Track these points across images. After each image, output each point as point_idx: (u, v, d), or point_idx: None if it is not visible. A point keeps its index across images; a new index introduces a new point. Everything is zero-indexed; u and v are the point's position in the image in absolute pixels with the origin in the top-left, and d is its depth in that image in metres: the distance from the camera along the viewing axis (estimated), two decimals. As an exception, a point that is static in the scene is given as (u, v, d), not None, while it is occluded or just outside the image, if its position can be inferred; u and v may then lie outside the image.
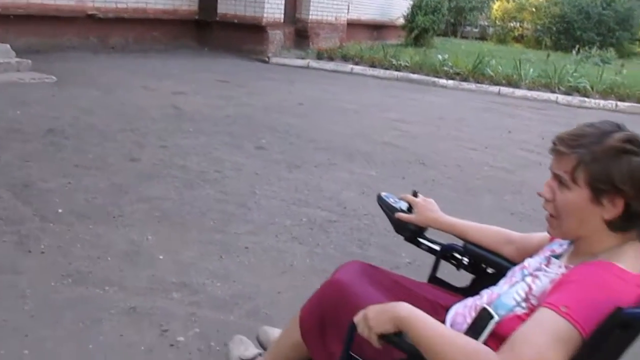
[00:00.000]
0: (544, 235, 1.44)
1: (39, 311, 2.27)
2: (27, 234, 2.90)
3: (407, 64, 10.86)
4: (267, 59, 10.83)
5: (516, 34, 24.27)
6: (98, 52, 9.42)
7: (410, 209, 1.66)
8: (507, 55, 13.49)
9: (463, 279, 1.67)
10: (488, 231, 1.61)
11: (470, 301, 1.36)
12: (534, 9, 22.60)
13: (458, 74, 10.43)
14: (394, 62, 10.96)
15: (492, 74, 10.37)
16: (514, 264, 1.42)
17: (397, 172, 4.59)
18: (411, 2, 16.23)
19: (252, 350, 1.72)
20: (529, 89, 9.87)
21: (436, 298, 1.50)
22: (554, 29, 20.38)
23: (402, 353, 1.19)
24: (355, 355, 1.29)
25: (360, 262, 1.60)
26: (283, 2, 11.66)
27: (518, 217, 3.89)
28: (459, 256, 1.64)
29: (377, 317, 1.17)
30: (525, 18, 23.65)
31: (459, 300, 1.43)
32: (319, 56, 11.45)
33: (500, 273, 1.43)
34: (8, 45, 7.00)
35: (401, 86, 9.65)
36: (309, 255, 2.99)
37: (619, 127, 1.17)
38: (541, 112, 8.37)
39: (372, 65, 10.86)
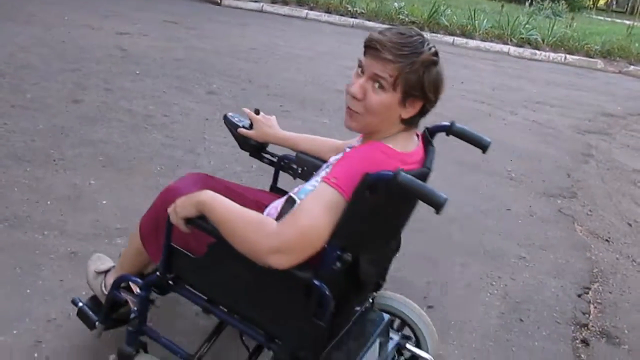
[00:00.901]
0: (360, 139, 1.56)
1: (-27, 256, 2.18)
2: (-42, 177, 2.75)
3: (363, 11, 10.67)
4: (219, 1, 10.40)
5: (473, -16, 24.17)
6: (36, -14, 8.78)
7: (252, 126, 1.78)
8: (462, 5, 13.44)
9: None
10: (316, 141, 1.76)
11: (285, 197, 1.45)
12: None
13: (413, 22, 10.33)
14: (350, 8, 10.75)
15: (447, 23, 10.34)
16: None
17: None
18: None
19: (108, 263, 1.82)
20: (483, 40, 9.93)
21: (264, 200, 1.57)
22: (510, -20, 20.37)
23: (213, 238, 1.32)
24: (177, 247, 1.42)
25: (197, 173, 1.69)
26: (236, -60, 11.11)
27: (467, 167, 3.97)
28: (295, 166, 1.78)
29: (182, 203, 1.32)
30: (482, -32, 23.52)
31: None
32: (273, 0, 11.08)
33: None
34: None
35: (357, 34, 9.48)
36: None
37: (423, 38, 1.28)
38: (493, 64, 8.47)
39: (328, 11, 10.60)
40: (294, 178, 1.80)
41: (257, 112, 1.80)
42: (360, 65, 1.29)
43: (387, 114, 1.28)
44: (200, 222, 1.30)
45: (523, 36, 10.10)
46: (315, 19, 10.18)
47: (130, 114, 3.92)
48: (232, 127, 1.82)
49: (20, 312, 1.91)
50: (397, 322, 1.75)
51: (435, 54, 1.27)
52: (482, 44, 9.69)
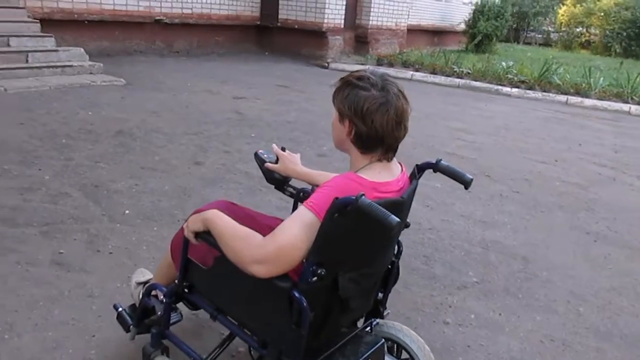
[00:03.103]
0: None
1: (105, 312, 2.31)
2: (96, 233, 2.98)
3: (469, 71, 10.60)
4: (326, 64, 10.83)
5: (583, 40, 23.35)
6: (164, 56, 9.71)
7: (277, 162, 1.96)
8: (574, 62, 12.96)
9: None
10: (330, 177, 1.84)
11: None
12: (602, 14, 21.67)
13: (523, 82, 10.09)
14: (456, 69, 10.72)
15: (559, 82, 9.96)
16: None
17: (462, 185, 4.42)
18: (473, 7, 15.89)
19: (148, 276, 2.08)
20: (599, 98, 9.42)
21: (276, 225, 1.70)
22: (625, 34, 19.45)
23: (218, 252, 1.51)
24: (192, 259, 1.65)
25: (224, 200, 1.91)
26: (344, 8, 11.65)
27: (593, 236, 3.67)
28: None
29: (193, 219, 1.56)
30: (593, 23, 22.73)
31: None
32: (379, 62, 11.36)
33: None
34: (82, 49, 7.30)
35: (463, 94, 9.41)
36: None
37: (368, 71, 1.48)
38: (613, 124, 7.96)
39: (433, 72, 10.66)
40: None
41: (283, 149, 1.97)
42: None
43: (336, 131, 1.52)
44: (206, 235, 1.52)
45: (646, 94, 9.46)
46: (421, 80, 10.25)
47: (246, 176, 4.10)
48: (260, 162, 2.00)
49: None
50: (403, 355, 1.81)
51: (359, 78, 1.45)
52: (599, 103, 9.18)
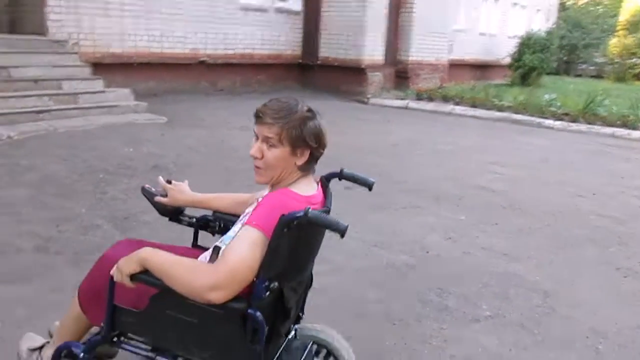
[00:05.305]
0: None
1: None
2: (120, 263, 3.11)
3: (510, 104, 10.46)
4: (365, 100, 10.96)
5: (637, 71, 22.62)
6: (208, 94, 10.09)
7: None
8: (625, 94, 12.57)
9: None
10: (226, 199, 1.96)
11: (211, 248, 1.64)
12: (657, 44, 21.04)
13: (567, 114, 9.86)
14: (496, 102, 10.61)
15: (605, 114, 9.67)
16: None
17: (489, 218, 4.36)
18: (518, 40, 15.77)
19: (41, 340, 1.93)
20: (649, 130, 9.08)
21: (191, 255, 1.69)
22: (682, 65, 18.73)
23: (155, 290, 1.50)
24: (121, 305, 1.59)
25: (128, 239, 1.93)
26: (384, 44, 11.82)
27: (623, 272, 3.52)
28: (212, 224, 1.96)
29: (125, 262, 1.51)
30: (647, 54, 22.06)
31: None
32: (419, 97, 11.39)
33: None
34: (128, 90, 7.71)
35: (504, 127, 9.28)
36: (384, 301, 2.92)
37: (297, 101, 1.60)
38: (662, 156, 7.63)
39: (474, 106, 10.59)
40: (213, 235, 1.97)
41: (169, 181, 1.98)
42: (255, 133, 1.60)
43: (283, 164, 1.58)
44: (144, 276, 1.49)
45: (699, 125, 9.05)
46: (461, 113, 10.20)
47: (270, 209, 4.17)
48: (149, 196, 1.99)
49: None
50: (323, 352, 1.87)
51: (309, 110, 1.58)
52: (649, 135, 8.84)
